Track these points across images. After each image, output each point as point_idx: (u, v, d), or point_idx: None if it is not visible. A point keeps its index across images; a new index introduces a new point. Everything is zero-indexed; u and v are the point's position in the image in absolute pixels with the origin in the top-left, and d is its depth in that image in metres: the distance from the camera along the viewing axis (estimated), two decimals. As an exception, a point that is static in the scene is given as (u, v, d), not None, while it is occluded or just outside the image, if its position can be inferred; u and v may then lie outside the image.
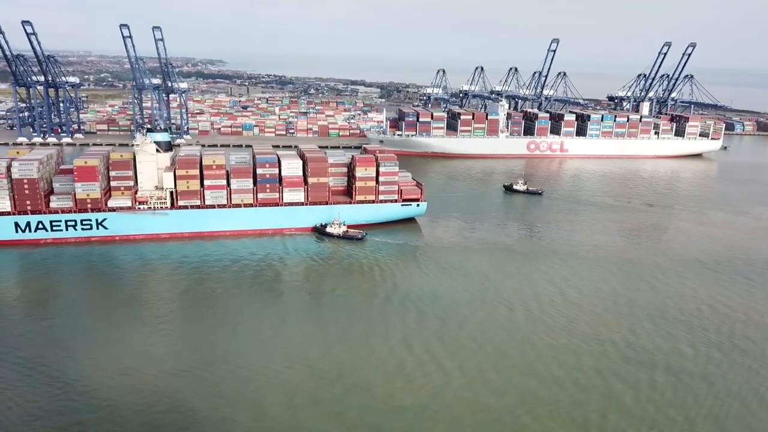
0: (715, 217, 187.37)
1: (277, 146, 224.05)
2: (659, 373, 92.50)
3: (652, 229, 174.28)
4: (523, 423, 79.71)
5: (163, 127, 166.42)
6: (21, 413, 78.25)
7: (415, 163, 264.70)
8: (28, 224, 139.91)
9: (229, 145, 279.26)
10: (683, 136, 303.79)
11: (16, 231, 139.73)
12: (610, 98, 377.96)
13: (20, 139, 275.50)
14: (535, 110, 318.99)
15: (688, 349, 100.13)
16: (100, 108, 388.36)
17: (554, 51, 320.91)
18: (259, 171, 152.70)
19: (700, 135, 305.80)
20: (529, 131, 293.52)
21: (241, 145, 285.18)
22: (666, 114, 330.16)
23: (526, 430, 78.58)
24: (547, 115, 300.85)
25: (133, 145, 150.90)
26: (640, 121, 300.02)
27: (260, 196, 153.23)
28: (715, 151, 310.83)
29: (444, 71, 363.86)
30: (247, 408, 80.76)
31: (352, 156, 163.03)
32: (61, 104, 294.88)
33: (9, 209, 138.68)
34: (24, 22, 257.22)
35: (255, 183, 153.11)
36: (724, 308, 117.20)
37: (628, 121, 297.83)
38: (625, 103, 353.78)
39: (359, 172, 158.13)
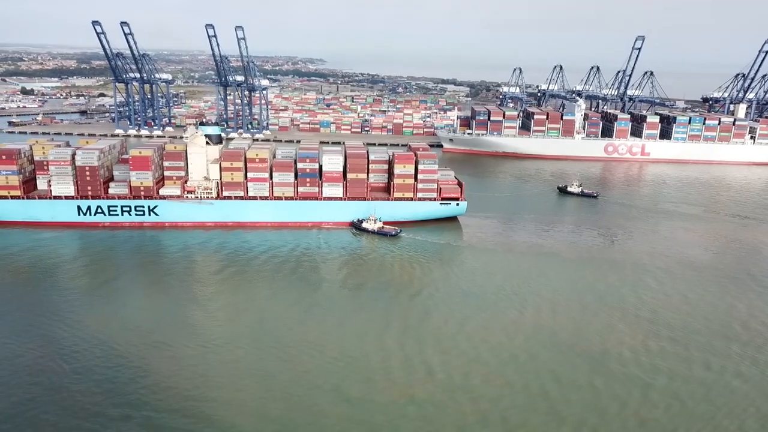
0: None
1: (342, 143, 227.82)
2: (657, 386, 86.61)
3: (726, 241, 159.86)
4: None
5: (215, 122, 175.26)
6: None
7: (484, 163, 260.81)
8: (89, 208, 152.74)
9: (319, 142, 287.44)
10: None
11: (78, 214, 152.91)
12: (705, 99, 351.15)
13: (117, 131, 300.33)
14: (615, 111, 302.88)
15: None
16: (195, 103, 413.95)
17: (639, 49, 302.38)
18: (299, 165, 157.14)
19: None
20: (607, 133, 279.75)
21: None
22: (766, 117, 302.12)
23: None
24: (628, 116, 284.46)
25: (184, 137, 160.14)
26: (734, 124, 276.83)
27: (301, 189, 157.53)
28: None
29: (520, 70, 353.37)
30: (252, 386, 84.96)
31: (393, 153, 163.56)
32: (157, 99, 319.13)
33: (72, 194, 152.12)
34: (122, 23, 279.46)
35: (296, 177, 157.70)
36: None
37: (719, 124, 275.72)
38: (731, 106, 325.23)
39: (398, 169, 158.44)
